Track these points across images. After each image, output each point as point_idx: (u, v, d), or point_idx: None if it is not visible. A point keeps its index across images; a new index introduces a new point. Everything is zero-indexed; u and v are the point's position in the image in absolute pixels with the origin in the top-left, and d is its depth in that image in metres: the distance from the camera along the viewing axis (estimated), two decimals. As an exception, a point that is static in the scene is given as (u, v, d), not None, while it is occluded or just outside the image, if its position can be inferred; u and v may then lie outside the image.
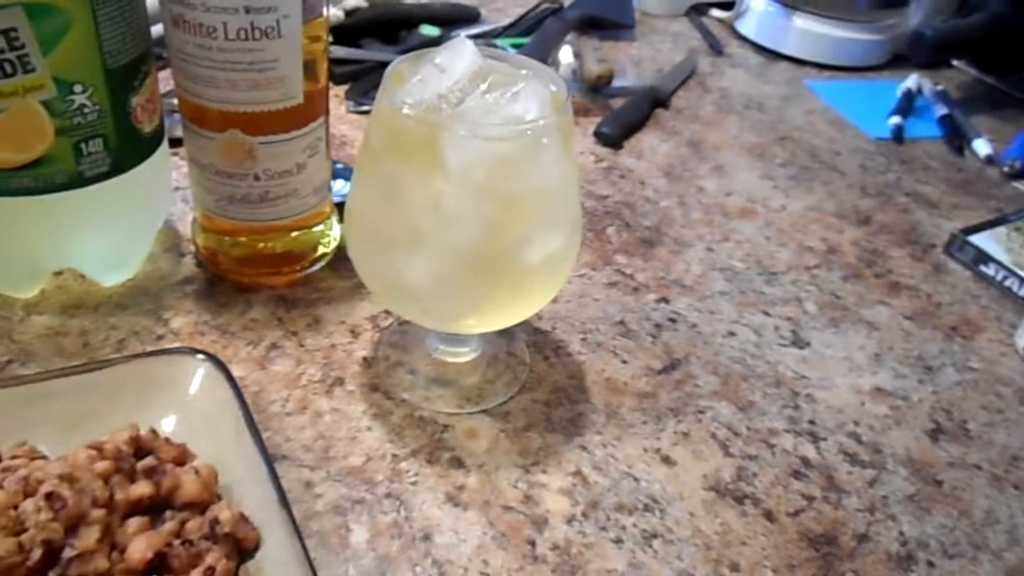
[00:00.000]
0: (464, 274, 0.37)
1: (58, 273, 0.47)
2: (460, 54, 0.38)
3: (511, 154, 0.35)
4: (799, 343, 0.50)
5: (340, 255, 0.51)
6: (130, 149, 0.43)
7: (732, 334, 0.50)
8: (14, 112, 0.38)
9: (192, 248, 0.51)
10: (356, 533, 0.36)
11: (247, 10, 0.39)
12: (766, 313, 0.52)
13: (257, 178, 0.45)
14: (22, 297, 0.46)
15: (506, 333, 0.47)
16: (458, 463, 0.40)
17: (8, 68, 0.37)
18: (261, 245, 0.49)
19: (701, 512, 0.39)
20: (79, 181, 0.42)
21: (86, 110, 0.40)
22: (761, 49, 0.92)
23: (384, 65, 0.40)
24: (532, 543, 0.37)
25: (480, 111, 0.35)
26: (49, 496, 0.30)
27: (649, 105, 0.75)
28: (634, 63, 0.85)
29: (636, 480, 0.40)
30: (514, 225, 0.36)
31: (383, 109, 0.36)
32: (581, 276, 0.53)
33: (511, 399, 0.44)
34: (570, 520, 0.38)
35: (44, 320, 0.45)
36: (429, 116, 0.35)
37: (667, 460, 0.42)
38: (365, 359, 0.45)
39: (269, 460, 0.35)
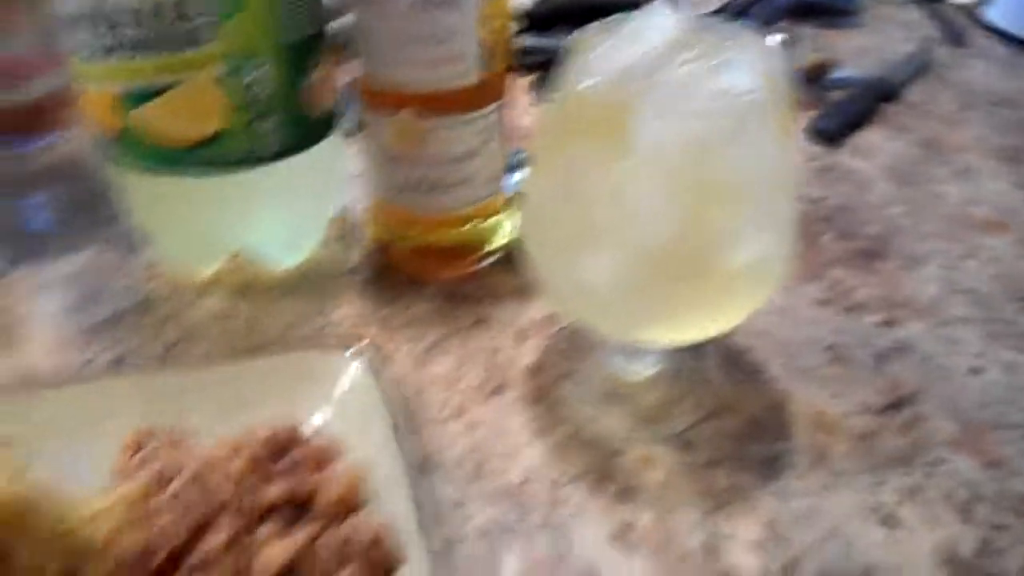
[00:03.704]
0: (651, 276, 0.31)
1: (233, 256, 0.46)
2: (655, 22, 0.32)
3: (712, 134, 0.29)
4: (1069, 389, 0.40)
5: (513, 252, 0.47)
6: (303, 130, 0.42)
7: (977, 371, 0.41)
8: (188, 87, 0.37)
9: (364, 237, 0.49)
10: (506, 565, 0.32)
11: (425, -24, 0.36)
12: (1021, 349, 0.42)
13: (428, 164, 0.42)
14: (196, 277, 0.46)
15: (694, 349, 0.40)
16: (628, 496, 0.34)
17: (182, 40, 0.36)
18: (432, 237, 0.46)
19: (933, 594, 0.31)
20: (251, 161, 0.40)
21: (260, 87, 0.39)
22: (1010, 39, 0.78)
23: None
24: (712, 604, 0.30)
25: (677, 85, 0.30)
26: (176, 496, 0.27)
27: (874, 99, 0.65)
28: (856, 53, 0.74)
29: (847, 542, 0.33)
30: (713, 220, 0.30)
31: (563, 85, 0.31)
32: (787, 289, 0.45)
33: (694, 427, 0.37)
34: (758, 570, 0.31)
35: (214, 302, 0.45)
36: (615, 91, 0.30)
37: (888, 521, 0.34)
38: (530, 367, 0.41)
39: (419, 470, 0.31)
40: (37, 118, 0.53)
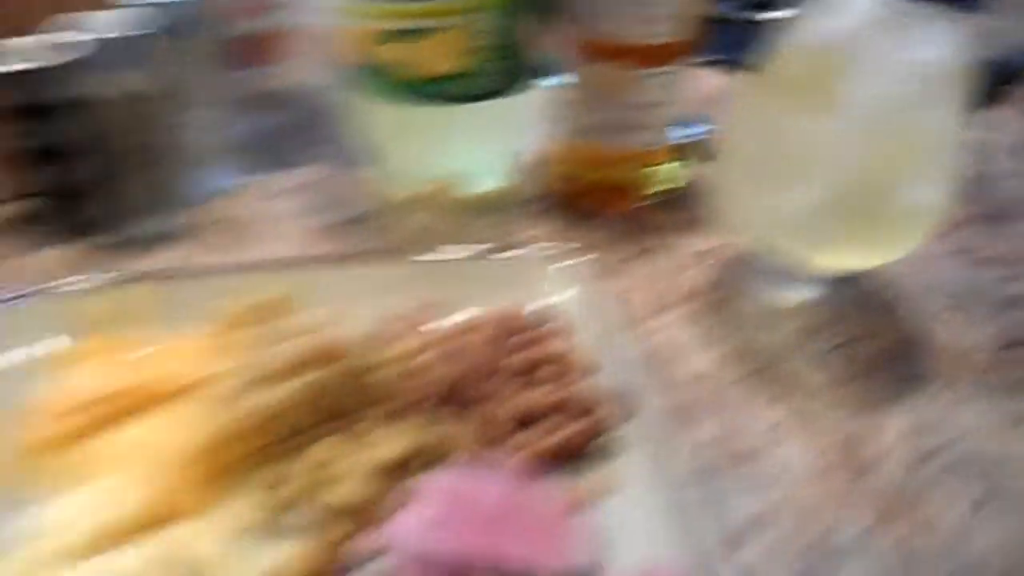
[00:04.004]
0: (837, 210, 0.38)
1: (440, 178, 0.54)
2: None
3: (906, 96, 0.35)
4: None
5: (676, 194, 0.54)
6: (518, 74, 0.49)
7: (1090, 323, 0.47)
8: (437, 31, 0.45)
9: (547, 173, 0.56)
10: (681, 442, 0.39)
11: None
12: None
13: (622, 108, 0.49)
14: (407, 194, 0.54)
15: (841, 283, 0.47)
16: (783, 397, 0.41)
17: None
18: (608, 174, 0.53)
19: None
20: (475, 97, 0.48)
21: (492, 36, 0.46)
22: None
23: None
24: (856, 477, 0.37)
25: (877, 52, 0.36)
26: (443, 354, 0.36)
27: (998, 80, 0.69)
28: (980, 35, 0.78)
29: (979, 441, 0.39)
30: (896, 167, 0.36)
31: (771, 50, 0.38)
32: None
33: (840, 347, 0.44)
34: (898, 467, 0.38)
35: (424, 216, 0.53)
36: (822, 56, 0.36)
37: (1019, 423, 0.40)
38: (695, 289, 0.48)
39: (632, 363, 0.39)
40: (266, 49, 0.62)
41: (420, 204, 0.53)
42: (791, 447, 0.39)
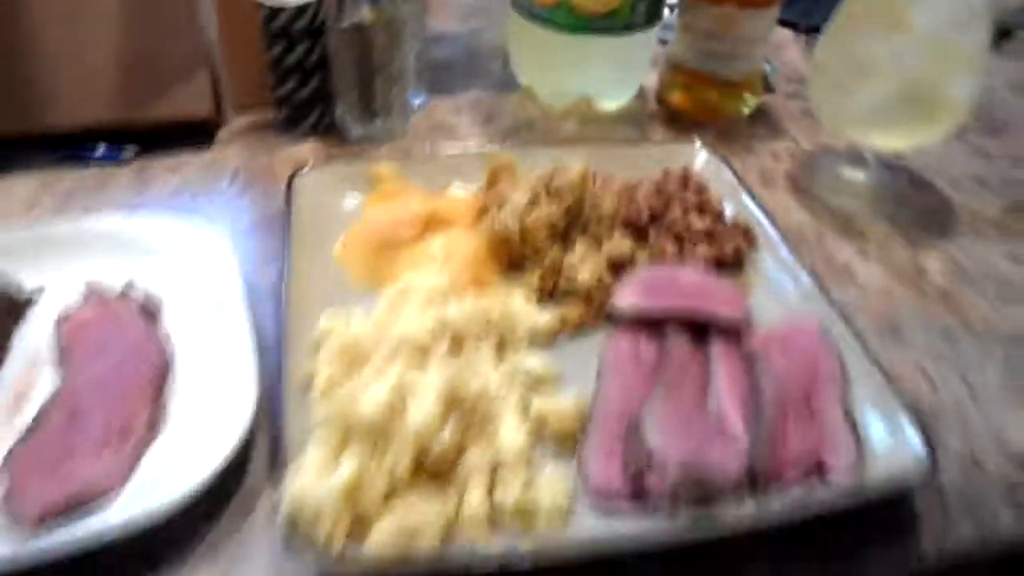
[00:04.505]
0: (899, 103, 0.55)
1: (579, 97, 0.71)
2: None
3: (957, 19, 0.53)
4: None
5: (753, 115, 0.72)
6: (656, 12, 0.66)
7: (1068, 198, 0.65)
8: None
9: (666, 93, 0.73)
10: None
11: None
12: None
13: (732, 40, 0.66)
14: (554, 109, 0.71)
15: (893, 166, 0.64)
16: (862, 240, 0.59)
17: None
18: (711, 96, 0.70)
19: (1042, 291, 0.55)
20: (628, 28, 0.65)
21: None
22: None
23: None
24: (919, 285, 0.55)
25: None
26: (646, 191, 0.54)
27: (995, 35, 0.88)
28: None
29: (997, 271, 0.57)
30: (947, 71, 0.54)
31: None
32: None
33: (897, 211, 0.62)
34: (944, 278, 0.56)
35: (571, 126, 0.70)
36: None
37: (1016, 261, 0.58)
38: (787, 173, 0.65)
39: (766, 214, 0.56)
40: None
41: (570, 116, 0.70)
42: (868, 268, 0.57)
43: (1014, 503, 0.42)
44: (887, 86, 0.55)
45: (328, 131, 0.66)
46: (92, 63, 0.61)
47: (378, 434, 0.38)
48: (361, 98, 0.64)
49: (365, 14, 0.61)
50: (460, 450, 0.39)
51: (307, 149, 0.65)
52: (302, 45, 0.62)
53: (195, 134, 0.65)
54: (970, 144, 0.71)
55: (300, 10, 0.61)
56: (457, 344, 0.44)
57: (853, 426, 0.42)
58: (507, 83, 0.73)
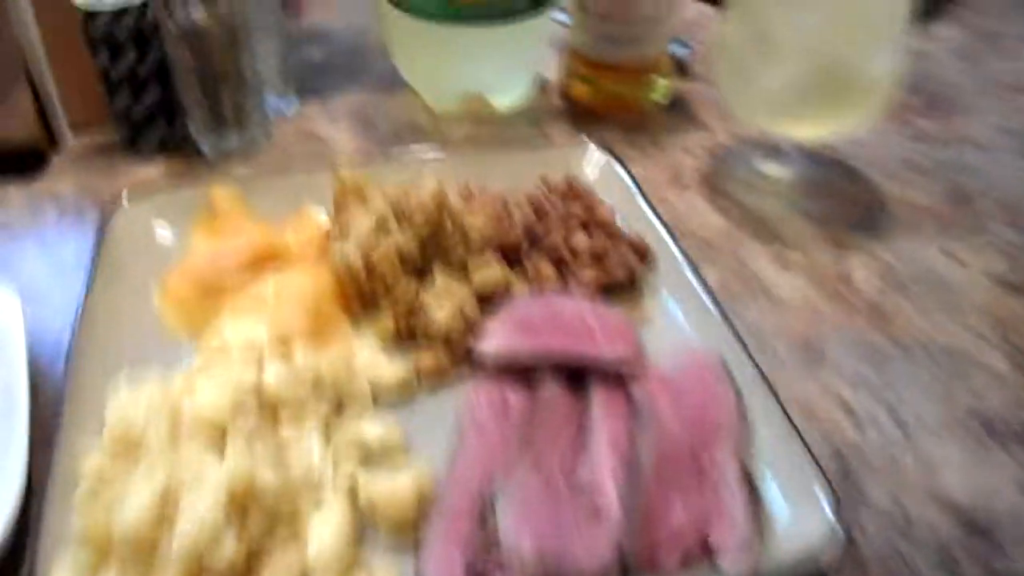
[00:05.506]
0: (813, 86, 0.47)
1: (470, 95, 0.63)
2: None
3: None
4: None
5: (668, 102, 0.64)
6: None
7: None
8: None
9: (561, 86, 0.65)
10: (708, 276, 0.49)
11: None
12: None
13: (628, 22, 0.58)
14: (443, 110, 0.63)
15: (814, 156, 0.57)
16: (783, 242, 0.51)
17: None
18: (615, 84, 0.62)
19: (984, 296, 0.48)
20: (501, 16, 0.56)
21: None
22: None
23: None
24: (844, 296, 0.48)
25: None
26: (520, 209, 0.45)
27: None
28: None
29: (929, 268, 0.50)
30: (863, 46, 0.46)
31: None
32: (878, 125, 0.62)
33: (821, 206, 0.54)
34: (872, 285, 0.49)
35: (465, 127, 0.61)
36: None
37: (953, 260, 0.51)
38: (697, 170, 0.58)
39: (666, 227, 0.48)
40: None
41: (451, 117, 0.62)
42: (787, 279, 0.49)
43: (951, 571, 0.35)
44: (795, 66, 0.47)
45: (180, 148, 0.58)
46: None
47: (143, 551, 0.30)
48: (208, 109, 0.56)
49: (198, 14, 0.53)
50: (256, 560, 0.31)
51: (152, 171, 0.57)
52: (131, 52, 0.54)
53: (24, 161, 0.57)
54: (908, 125, 0.63)
55: (120, 13, 0.52)
56: (274, 416, 0.36)
57: (751, 490, 0.35)
58: (392, 84, 0.65)
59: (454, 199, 0.45)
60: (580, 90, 0.64)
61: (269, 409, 0.36)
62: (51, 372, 0.41)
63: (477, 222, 0.44)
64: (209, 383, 0.35)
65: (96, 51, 0.54)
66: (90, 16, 0.52)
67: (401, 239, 0.43)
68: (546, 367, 0.40)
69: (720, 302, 0.43)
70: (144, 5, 0.53)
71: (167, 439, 0.33)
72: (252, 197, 0.50)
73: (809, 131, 0.52)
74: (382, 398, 0.40)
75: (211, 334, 0.41)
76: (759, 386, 0.39)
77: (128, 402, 0.36)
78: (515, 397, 0.40)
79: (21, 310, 0.41)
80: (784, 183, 0.56)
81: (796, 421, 0.37)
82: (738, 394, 0.39)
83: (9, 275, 0.47)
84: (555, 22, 0.62)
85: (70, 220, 0.53)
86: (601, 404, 0.39)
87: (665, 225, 0.48)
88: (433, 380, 0.41)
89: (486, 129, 0.61)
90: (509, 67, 0.62)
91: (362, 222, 0.43)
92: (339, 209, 0.46)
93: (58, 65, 0.57)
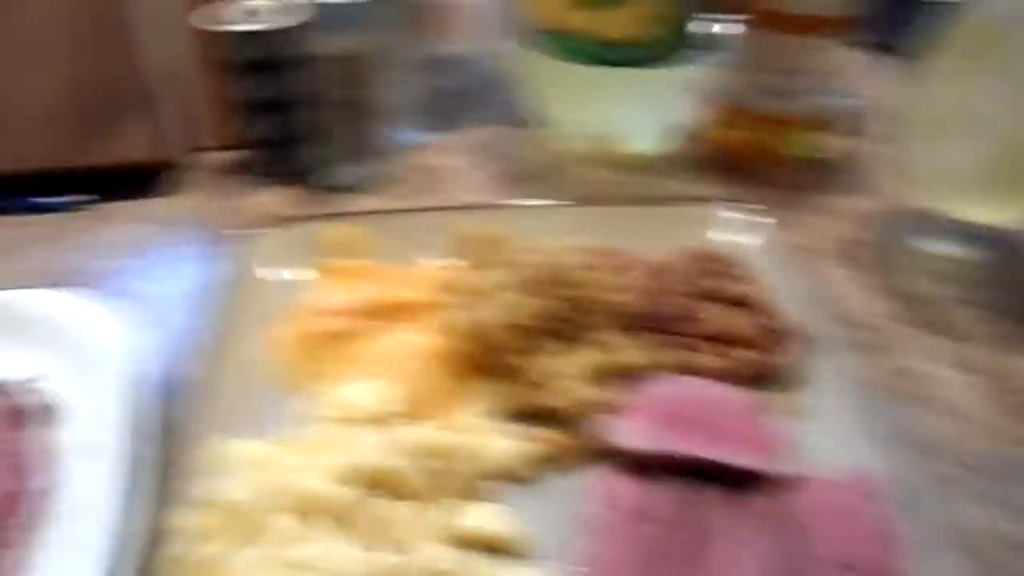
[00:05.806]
0: (1001, 166, 0.42)
1: (602, 136, 0.58)
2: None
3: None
4: None
5: (823, 160, 0.58)
6: (683, 43, 0.53)
7: None
8: (629, 4, 0.50)
9: (704, 133, 0.60)
10: (860, 372, 0.43)
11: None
12: None
13: (786, 72, 0.53)
14: (575, 150, 0.58)
15: (993, 239, 0.50)
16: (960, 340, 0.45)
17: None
18: (765, 136, 0.57)
19: None
20: (647, 62, 0.52)
21: (671, 6, 0.51)
22: None
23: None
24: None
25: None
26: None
27: None
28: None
29: None
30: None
31: (948, 22, 0.42)
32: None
33: (990, 297, 0.47)
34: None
35: (596, 171, 0.57)
36: (994, 25, 0.40)
37: None
38: (860, 243, 0.52)
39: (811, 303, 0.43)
40: (448, 18, 0.67)
41: (584, 159, 0.58)
42: (969, 385, 0.43)
43: None
44: (983, 147, 0.42)
45: (299, 178, 0.56)
46: (18, 106, 0.53)
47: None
48: (342, 139, 0.54)
49: (350, 42, 0.50)
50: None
51: (269, 200, 0.55)
52: (272, 77, 0.52)
53: (142, 181, 0.56)
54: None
55: (269, 36, 0.50)
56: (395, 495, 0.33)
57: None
58: (523, 117, 0.61)
59: (599, 266, 0.41)
60: (725, 139, 0.59)
61: (390, 489, 0.33)
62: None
63: (623, 296, 0.40)
64: (329, 459, 0.32)
65: (241, 75, 0.52)
66: (239, 38, 0.51)
67: (538, 306, 0.39)
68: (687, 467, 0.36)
69: (885, 405, 0.38)
70: (283, 30, 0.51)
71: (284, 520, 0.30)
72: (374, 233, 0.47)
73: (987, 216, 0.46)
74: (497, 479, 0.36)
75: (327, 392, 0.38)
76: (924, 513, 0.33)
77: (236, 467, 0.33)
78: (650, 500, 0.35)
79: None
80: (963, 266, 0.49)
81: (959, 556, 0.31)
82: (899, 520, 0.33)
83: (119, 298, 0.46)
84: (703, 68, 0.57)
85: (184, 247, 0.52)
86: (751, 520, 0.34)
87: (826, 307, 0.43)
88: (554, 464, 0.37)
89: (622, 176, 0.57)
90: (648, 111, 0.57)
91: (496, 284, 0.40)
92: (467, 263, 0.43)
93: (177, 88, 0.56)
